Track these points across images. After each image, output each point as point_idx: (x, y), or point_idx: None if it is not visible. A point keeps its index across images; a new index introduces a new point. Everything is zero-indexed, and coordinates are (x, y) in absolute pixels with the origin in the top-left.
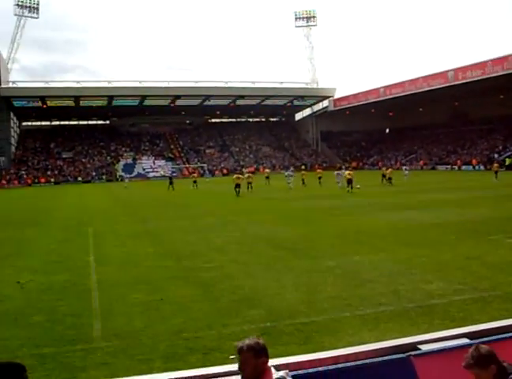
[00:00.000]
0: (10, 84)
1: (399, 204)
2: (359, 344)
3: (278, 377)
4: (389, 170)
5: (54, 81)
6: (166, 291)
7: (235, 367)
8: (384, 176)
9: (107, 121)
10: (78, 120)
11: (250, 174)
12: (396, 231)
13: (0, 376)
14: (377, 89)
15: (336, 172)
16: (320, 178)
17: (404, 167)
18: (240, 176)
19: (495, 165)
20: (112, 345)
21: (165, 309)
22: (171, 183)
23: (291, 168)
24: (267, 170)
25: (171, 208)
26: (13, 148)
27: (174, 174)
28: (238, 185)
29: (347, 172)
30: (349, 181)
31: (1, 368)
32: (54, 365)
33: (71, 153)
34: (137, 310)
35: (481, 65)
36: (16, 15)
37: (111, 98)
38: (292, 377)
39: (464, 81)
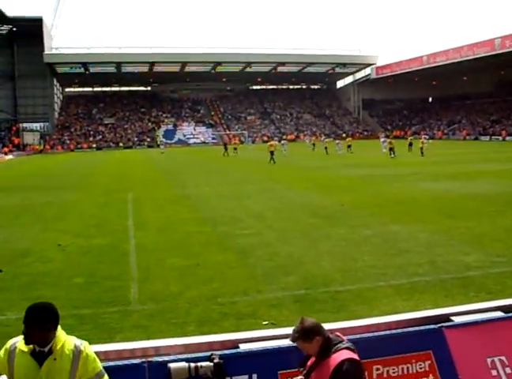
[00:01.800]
0: (53, 51)
1: (439, 174)
2: (393, 314)
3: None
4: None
5: (95, 47)
6: (202, 257)
7: (268, 333)
8: (410, 145)
9: (148, 88)
10: (120, 86)
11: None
12: (435, 201)
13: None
14: (420, 57)
15: (337, 141)
16: (349, 146)
17: (423, 137)
18: (273, 143)
19: None
20: (148, 308)
21: (201, 274)
22: (226, 149)
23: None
24: (312, 138)
25: (210, 175)
26: (56, 114)
27: (214, 141)
28: (272, 153)
29: (388, 140)
30: (391, 149)
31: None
32: (91, 326)
33: (113, 119)
34: (173, 275)
35: None
36: None
37: (152, 64)
38: None
39: (511, 49)
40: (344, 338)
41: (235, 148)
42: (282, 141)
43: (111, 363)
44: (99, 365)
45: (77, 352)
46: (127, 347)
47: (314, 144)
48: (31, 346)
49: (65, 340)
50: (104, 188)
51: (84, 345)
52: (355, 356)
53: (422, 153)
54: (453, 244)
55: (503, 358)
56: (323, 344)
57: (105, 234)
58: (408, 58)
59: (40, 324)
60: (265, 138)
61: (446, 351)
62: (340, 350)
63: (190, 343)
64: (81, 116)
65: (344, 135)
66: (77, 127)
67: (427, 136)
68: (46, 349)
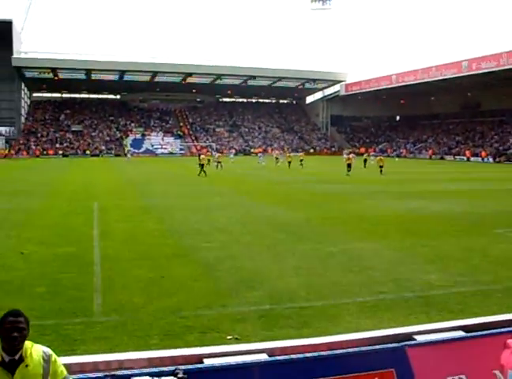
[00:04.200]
0: (22, 55)
1: (402, 193)
2: (356, 331)
3: None
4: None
5: (65, 53)
6: (167, 269)
7: (232, 348)
8: (365, 161)
9: (118, 96)
10: (89, 93)
11: (220, 155)
12: (399, 220)
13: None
14: (389, 76)
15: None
16: (301, 161)
17: (371, 154)
18: (203, 157)
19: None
20: (112, 320)
21: (166, 286)
22: (202, 166)
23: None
24: (277, 152)
25: (176, 186)
26: (22, 119)
27: (182, 152)
28: (202, 166)
29: (346, 157)
30: (349, 165)
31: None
32: (53, 337)
33: (80, 126)
34: (137, 286)
35: (496, 56)
36: None
37: (122, 72)
38: (287, 360)
39: (477, 72)
40: None
41: (219, 162)
42: (259, 154)
43: (74, 376)
44: (64, 369)
45: (47, 357)
46: (90, 360)
47: (277, 158)
48: None
49: (33, 346)
50: (70, 196)
51: (49, 350)
52: None
53: (381, 171)
54: (416, 262)
55: (463, 376)
56: None
57: (69, 243)
58: (377, 76)
59: (21, 331)
60: (233, 151)
61: (409, 370)
62: None
63: (153, 356)
64: (48, 122)
65: (300, 150)
66: (44, 133)
67: (373, 153)
68: (16, 357)
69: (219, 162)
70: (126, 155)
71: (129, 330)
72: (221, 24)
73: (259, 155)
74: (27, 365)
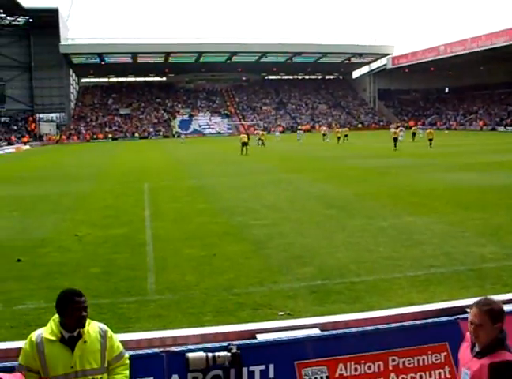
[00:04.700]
0: (69, 41)
1: (452, 166)
2: (408, 305)
3: None
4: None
5: (111, 38)
6: (218, 247)
7: (284, 323)
8: (414, 135)
9: (164, 78)
10: (135, 76)
11: (262, 132)
12: (449, 192)
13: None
14: (436, 47)
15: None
16: (346, 136)
17: (400, 128)
18: (244, 135)
19: None
20: (165, 298)
21: (217, 264)
22: (244, 145)
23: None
24: (324, 128)
25: (225, 165)
26: (72, 105)
27: (229, 131)
28: (244, 144)
29: (393, 131)
30: (395, 140)
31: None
32: (109, 316)
33: (128, 109)
34: (189, 265)
35: None
36: None
37: (167, 54)
38: (340, 335)
39: None
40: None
41: (260, 139)
42: (298, 131)
43: (130, 352)
44: (120, 344)
45: (103, 333)
46: (145, 337)
47: (324, 134)
48: (58, 333)
49: (90, 323)
50: (120, 178)
51: (105, 326)
52: None
53: (430, 144)
54: (468, 236)
55: None
56: (498, 335)
57: (121, 225)
58: (424, 47)
59: (85, 306)
60: (281, 128)
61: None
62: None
63: (207, 333)
64: (97, 106)
65: (337, 125)
66: (93, 117)
67: (403, 128)
68: (75, 333)
69: (261, 139)
70: (176, 136)
71: (183, 308)
72: (265, 1)
73: (298, 132)
74: (85, 341)
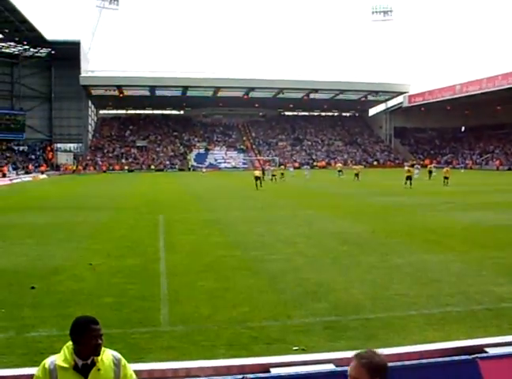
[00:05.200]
0: (89, 73)
1: (468, 204)
2: (423, 343)
3: None
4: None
5: (130, 71)
6: (232, 280)
7: (298, 358)
8: (430, 172)
9: (181, 112)
10: (153, 109)
11: (274, 168)
12: (466, 231)
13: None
14: (453, 86)
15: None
16: (356, 174)
17: (416, 166)
18: (259, 170)
19: None
20: (178, 330)
21: (231, 297)
22: (258, 179)
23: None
24: (339, 165)
25: (241, 200)
26: (90, 136)
27: (245, 165)
28: (257, 178)
29: (406, 169)
30: (408, 178)
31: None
32: (122, 346)
33: (145, 142)
34: (203, 297)
35: None
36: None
37: (185, 88)
38: None
39: None
40: None
41: (282, 174)
42: (305, 166)
43: None
44: (133, 373)
45: (117, 361)
46: (159, 368)
47: (340, 171)
48: (71, 361)
49: (104, 351)
50: (136, 209)
51: (118, 355)
52: None
53: (446, 183)
54: (485, 274)
55: None
56: None
57: (136, 255)
58: (440, 86)
59: (101, 334)
60: (296, 164)
61: None
62: None
63: (220, 365)
64: (114, 138)
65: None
66: (110, 149)
67: (418, 166)
68: (89, 361)
69: (274, 175)
70: (195, 169)
71: (196, 340)
72: (283, 37)
73: (305, 167)
74: (99, 369)
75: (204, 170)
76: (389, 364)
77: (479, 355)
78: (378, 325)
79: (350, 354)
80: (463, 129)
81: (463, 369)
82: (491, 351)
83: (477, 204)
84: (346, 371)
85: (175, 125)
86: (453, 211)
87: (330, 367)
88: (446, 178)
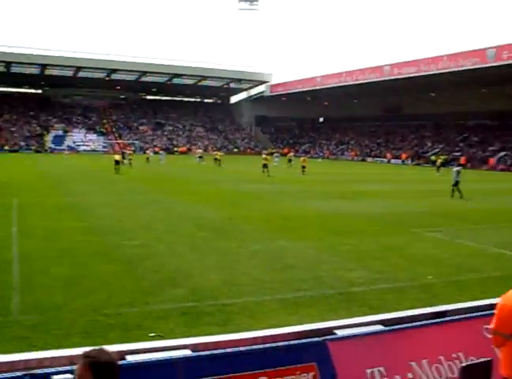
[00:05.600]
0: None
1: (324, 193)
2: (278, 327)
3: None
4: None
5: None
6: (89, 267)
7: (154, 344)
8: (290, 161)
9: (39, 91)
10: (8, 87)
11: (130, 153)
12: (321, 219)
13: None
14: (314, 78)
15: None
16: (217, 159)
17: (275, 155)
18: (118, 154)
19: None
20: (31, 319)
21: (87, 284)
22: (118, 163)
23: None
24: (199, 151)
25: (100, 184)
26: None
27: (105, 149)
28: (117, 162)
29: (264, 157)
30: (265, 166)
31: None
32: None
33: None
34: (58, 284)
35: (416, 62)
36: None
37: (44, 66)
38: (210, 356)
39: (398, 77)
40: None
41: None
42: (197, 155)
43: None
44: None
45: None
46: (7, 360)
47: (201, 157)
48: None
49: None
50: None
51: None
52: None
53: (303, 171)
54: (337, 260)
55: (381, 368)
56: None
57: None
58: (302, 77)
59: None
60: (157, 149)
61: (330, 363)
62: None
63: (74, 354)
64: None
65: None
66: None
67: (278, 154)
68: None
69: (130, 159)
70: (63, 152)
71: (50, 329)
72: (147, 21)
73: (160, 152)
74: None
75: (66, 152)
76: (241, 349)
77: (328, 337)
78: (235, 310)
79: (207, 339)
80: (321, 119)
81: (314, 350)
82: (340, 333)
83: (334, 192)
84: (203, 356)
85: (31, 105)
86: (310, 199)
87: (187, 352)
88: (303, 167)
